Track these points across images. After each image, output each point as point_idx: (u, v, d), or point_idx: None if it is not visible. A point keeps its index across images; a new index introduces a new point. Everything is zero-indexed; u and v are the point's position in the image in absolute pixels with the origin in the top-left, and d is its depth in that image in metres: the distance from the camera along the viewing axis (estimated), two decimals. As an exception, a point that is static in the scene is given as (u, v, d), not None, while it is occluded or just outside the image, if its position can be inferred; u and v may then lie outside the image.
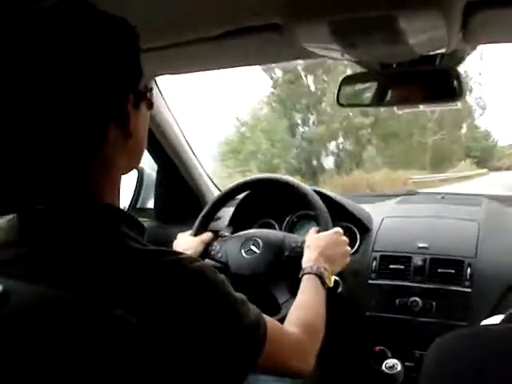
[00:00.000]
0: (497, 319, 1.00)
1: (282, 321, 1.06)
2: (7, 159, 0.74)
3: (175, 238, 1.70)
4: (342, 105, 1.45)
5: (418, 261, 1.65)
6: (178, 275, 0.76)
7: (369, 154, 23.11)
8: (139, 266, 0.74)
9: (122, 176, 0.89)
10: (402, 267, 1.67)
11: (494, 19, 1.03)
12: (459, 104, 1.34)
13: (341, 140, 23.03)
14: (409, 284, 1.65)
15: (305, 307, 1.19)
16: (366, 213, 1.88)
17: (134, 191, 2.12)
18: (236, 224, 1.90)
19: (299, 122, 22.11)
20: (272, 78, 20.46)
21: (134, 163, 0.92)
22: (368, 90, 1.42)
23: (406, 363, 1.59)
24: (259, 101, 21.37)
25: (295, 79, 20.67)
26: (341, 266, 1.44)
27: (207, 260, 1.65)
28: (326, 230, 1.49)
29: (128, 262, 0.74)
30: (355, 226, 1.81)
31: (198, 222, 1.73)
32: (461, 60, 1.35)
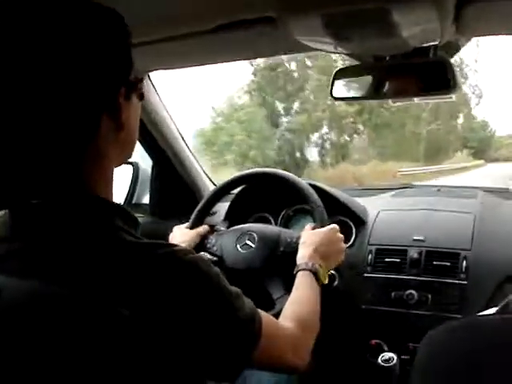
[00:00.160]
0: (493, 311, 1.00)
1: (276, 316, 1.06)
2: None
3: (171, 233, 1.71)
4: (335, 98, 1.45)
5: (413, 254, 1.65)
6: (172, 267, 0.76)
7: (356, 144, 22.27)
8: (133, 259, 0.74)
9: (116, 170, 0.89)
10: (398, 260, 1.67)
11: (487, 11, 1.03)
12: (454, 96, 1.34)
13: (325, 130, 21.87)
14: (404, 277, 1.65)
15: (299, 303, 1.19)
16: (362, 206, 1.88)
17: (129, 187, 2.11)
18: (232, 218, 1.90)
19: (281, 111, 20.77)
20: (252, 64, 18.98)
21: (126, 155, 0.92)
22: (362, 83, 1.42)
23: (402, 356, 1.59)
24: (238, 89, 20.12)
25: (277, 65, 19.24)
26: (336, 263, 1.44)
27: (202, 253, 1.65)
28: (322, 225, 1.49)
29: (122, 255, 0.74)
30: (351, 219, 1.82)
31: (194, 215, 1.73)
32: (455, 51, 1.35)
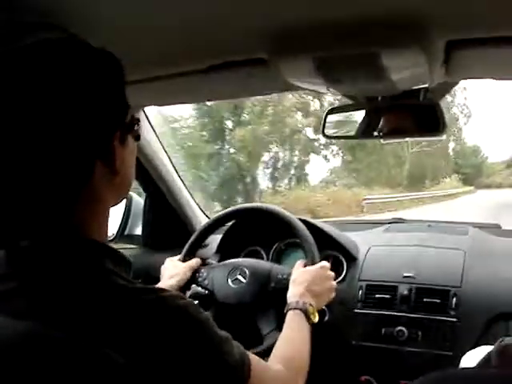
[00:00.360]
0: (483, 350, 1.00)
1: (264, 352, 1.06)
2: None
3: (163, 264, 1.71)
4: (327, 136, 1.47)
5: (403, 290, 1.65)
6: (162, 314, 0.76)
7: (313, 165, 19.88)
8: (124, 305, 0.74)
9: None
10: (388, 296, 1.67)
11: (475, 57, 1.05)
12: (444, 136, 1.36)
13: (276, 149, 19.37)
14: (395, 313, 1.65)
15: (289, 343, 1.19)
16: (353, 241, 1.89)
17: (122, 218, 2.11)
18: (223, 251, 1.91)
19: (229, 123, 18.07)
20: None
21: (121, 196, 0.92)
22: (354, 122, 1.43)
23: (392, 394, 1.59)
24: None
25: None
26: (326, 301, 1.45)
27: (194, 286, 1.66)
28: (313, 262, 1.49)
29: (113, 300, 0.74)
30: (342, 254, 1.82)
31: (186, 247, 1.74)
32: (444, 93, 1.37)
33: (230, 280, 1.61)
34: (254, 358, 0.92)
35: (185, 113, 16.55)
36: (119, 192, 0.89)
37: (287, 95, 17.44)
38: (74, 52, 0.77)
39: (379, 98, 1.35)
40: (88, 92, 0.76)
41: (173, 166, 2.10)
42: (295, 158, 20.37)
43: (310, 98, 19.77)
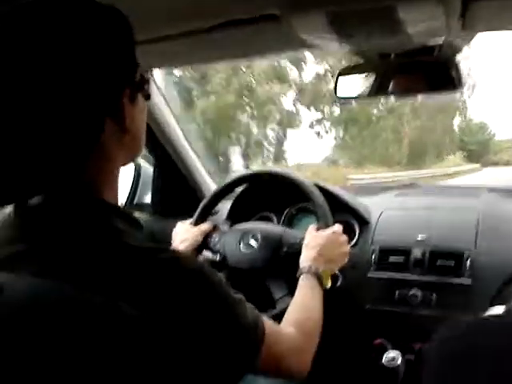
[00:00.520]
0: (498, 310, 0.99)
1: (277, 316, 1.05)
2: (3, 153, 0.72)
3: (174, 230, 1.71)
4: (339, 98, 1.44)
5: (417, 253, 1.64)
6: (176, 272, 0.75)
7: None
8: (136, 264, 0.73)
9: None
10: (402, 260, 1.66)
11: (493, 7, 1.02)
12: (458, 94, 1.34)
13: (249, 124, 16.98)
14: (408, 276, 1.63)
15: (302, 308, 1.19)
16: (365, 206, 1.87)
17: (131, 187, 2.11)
18: (234, 218, 1.89)
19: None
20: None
21: (132, 156, 0.91)
22: (367, 82, 1.41)
23: (407, 356, 1.58)
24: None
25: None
26: (339, 266, 1.45)
27: (205, 251, 1.65)
28: (326, 226, 1.48)
29: (125, 260, 0.73)
30: (354, 219, 1.81)
31: (198, 211, 1.73)
32: (459, 49, 1.34)
33: (241, 245, 1.61)
34: (267, 321, 0.91)
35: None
36: (130, 151, 0.88)
37: (260, 62, 15.50)
38: (80, 7, 0.76)
39: (392, 56, 1.32)
40: (96, 47, 0.75)
41: (182, 131, 2.08)
42: (271, 134, 18.26)
43: (288, 64, 18.01)
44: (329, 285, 1.34)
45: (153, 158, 2.15)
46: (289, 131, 19.22)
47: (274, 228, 1.69)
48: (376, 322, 1.69)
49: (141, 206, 2.16)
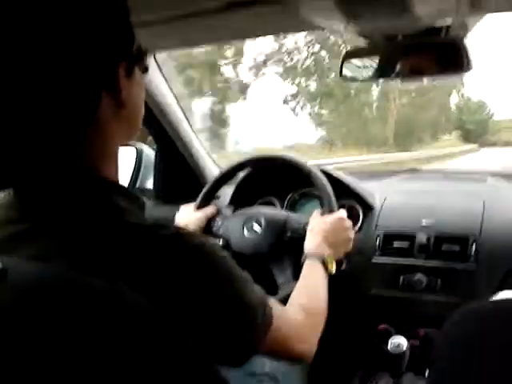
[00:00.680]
0: (507, 294, 0.99)
1: (280, 302, 1.04)
2: None
3: (177, 214, 1.70)
4: (346, 79, 1.42)
5: (421, 238, 1.63)
6: (178, 250, 0.73)
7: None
8: (138, 242, 0.72)
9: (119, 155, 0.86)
10: (406, 245, 1.65)
11: None
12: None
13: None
14: (413, 262, 1.63)
15: (307, 292, 1.18)
16: (369, 191, 1.86)
17: (133, 171, 2.09)
18: (237, 203, 1.88)
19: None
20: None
21: (130, 133, 0.88)
22: (373, 64, 1.38)
23: (411, 341, 1.58)
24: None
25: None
26: (343, 252, 1.43)
27: (208, 236, 1.64)
28: (331, 211, 1.46)
29: (127, 238, 0.72)
30: (358, 204, 1.79)
31: (201, 195, 1.72)
32: (466, 31, 1.32)
33: (245, 230, 1.59)
34: (272, 302, 0.90)
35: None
36: (127, 128, 0.85)
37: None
38: None
39: (399, 37, 1.30)
40: (90, 18, 0.72)
41: (184, 115, 2.06)
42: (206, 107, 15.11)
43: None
44: (333, 270, 1.33)
45: (155, 141, 2.13)
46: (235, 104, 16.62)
47: (277, 213, 1.67)
48: (380, 308, 1.69)
49: (142, 192, 2.15)
